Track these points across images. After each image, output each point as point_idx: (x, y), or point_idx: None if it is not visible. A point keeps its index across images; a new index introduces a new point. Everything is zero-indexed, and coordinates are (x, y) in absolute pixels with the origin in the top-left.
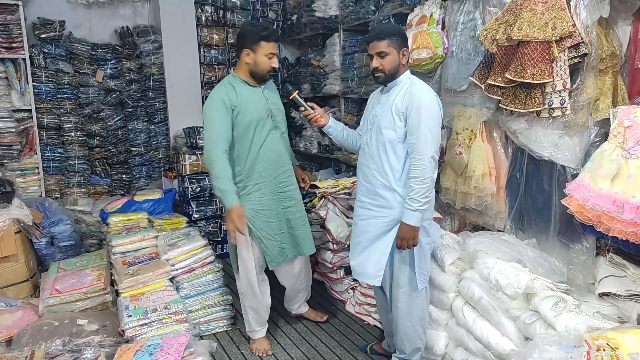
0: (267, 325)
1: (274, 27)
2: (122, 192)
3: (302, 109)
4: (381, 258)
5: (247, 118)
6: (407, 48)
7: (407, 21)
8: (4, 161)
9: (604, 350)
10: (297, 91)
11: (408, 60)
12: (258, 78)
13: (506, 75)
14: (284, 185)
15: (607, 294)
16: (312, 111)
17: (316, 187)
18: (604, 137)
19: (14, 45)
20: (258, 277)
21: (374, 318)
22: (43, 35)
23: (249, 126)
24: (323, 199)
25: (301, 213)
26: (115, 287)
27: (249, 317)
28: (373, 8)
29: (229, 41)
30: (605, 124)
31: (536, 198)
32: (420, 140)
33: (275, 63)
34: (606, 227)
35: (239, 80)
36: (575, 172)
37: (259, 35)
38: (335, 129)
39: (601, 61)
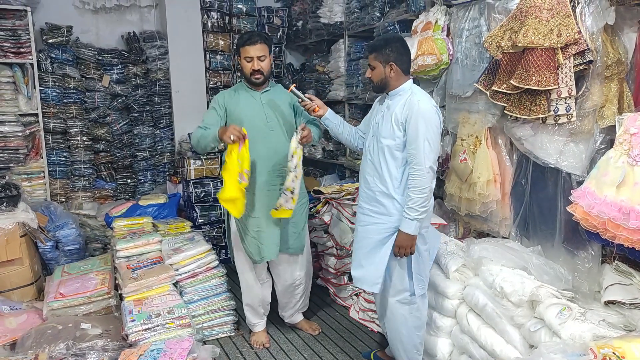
0: (264, 319)
1: (258, 32)
2: (127, 197)
3: (300, 100)
4: (380, 265)
5: (236, 115)
6: (398, 62)
7: (412, 28)
8: (11, 165)
9: (610, 359)
10: (293, 85)
11: (404, 72)
12: (250, 82)
13: (511, 81)
14: (275, 183)
15: (613, 302)
16: (310, 102)
17: (320, 192)
18: (610, 144)
19: (22, 50)
20: (256, 269)
21: (377, 324)
22: (51, 41)
23: (239, 122)
24: (327, 204)
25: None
26: (119, 291)
27: (244, 309)
28: (378, 14)
29: (234, 47)
30: (610, 131)
31: (541, 205)
32: (419, 150)
33: (254, 66)
34: (612, 235)
35: (242, 85)
36: (580, 179)
37: (240, 42)
38: (332, 121)
39: (607, 68)
